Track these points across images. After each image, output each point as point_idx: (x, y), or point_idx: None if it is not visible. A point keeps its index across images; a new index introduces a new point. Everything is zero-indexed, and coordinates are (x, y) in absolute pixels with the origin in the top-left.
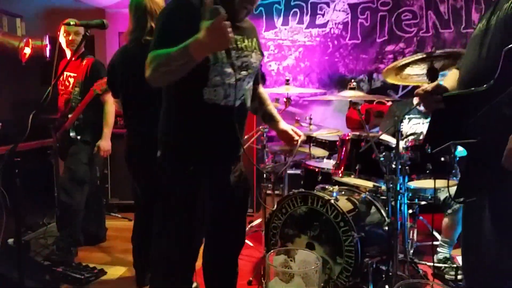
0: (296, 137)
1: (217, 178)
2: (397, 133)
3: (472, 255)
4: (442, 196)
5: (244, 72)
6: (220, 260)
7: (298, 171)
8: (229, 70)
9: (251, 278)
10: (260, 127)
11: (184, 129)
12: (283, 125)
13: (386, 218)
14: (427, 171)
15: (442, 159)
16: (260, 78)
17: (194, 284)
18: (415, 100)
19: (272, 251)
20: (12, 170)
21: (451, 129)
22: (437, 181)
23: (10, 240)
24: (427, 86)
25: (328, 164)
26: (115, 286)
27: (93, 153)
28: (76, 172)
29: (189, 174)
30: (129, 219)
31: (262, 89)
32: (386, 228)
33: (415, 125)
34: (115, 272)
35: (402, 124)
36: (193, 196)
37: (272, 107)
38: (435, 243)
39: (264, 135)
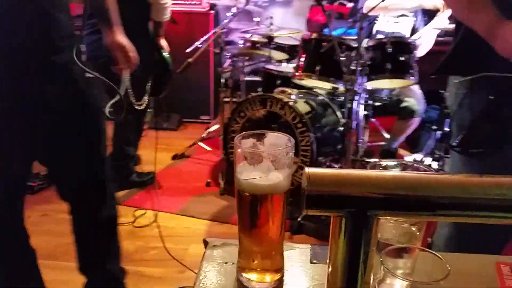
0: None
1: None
2: (359, 32)
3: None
4: (404, 104)
5: None
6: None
7: (257, 78)
8: None
9: (209, 180)
10: (218, 28)
11: None
12: (119, 36)
13: (342, 119)
14: (386, 71)
15: (402, 58)
16: None
17: None
18: None
19: (240, 134)
20: None
21: (485, 56)
22: (394, 81)
23: None
24: None
25: (288, 68)
26: None
27: None
28: None
29: None
30: None
31: None
32: (341, 128)
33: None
34: None
35: (376, 20)
36: None
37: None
38: (383, 143)
39: (222, 37)
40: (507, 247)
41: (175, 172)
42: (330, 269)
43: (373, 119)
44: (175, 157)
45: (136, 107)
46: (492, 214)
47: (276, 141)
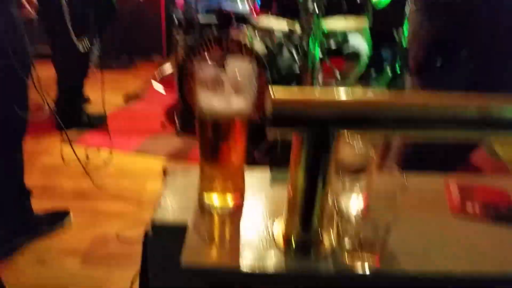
0: None
1: None
2: None
3: None
4: (350, 45)
5: None
6: None
7: (211, 18)
8: None
9: (164, 121)
10: None
11: None
12: None
13: (297, 60)
14: (342, 11)
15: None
16: None
17: None
18: None
19: (200, 59)
20: None
21: None
22: (349, 20)
23: None
24: None
25: (243, 7)
26: None
27: None
28: None
29: None
30: None
31: None
32: (297, 69)
33: None
34: None
35: None
36: None
37: None
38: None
39: None
40: (461, 166)
41: (129, 113)
42: (290, 186)
43: (327, 60)
44: (127, 98)
45: (76, 44)
46: (447, 131)
47: (238, 67)
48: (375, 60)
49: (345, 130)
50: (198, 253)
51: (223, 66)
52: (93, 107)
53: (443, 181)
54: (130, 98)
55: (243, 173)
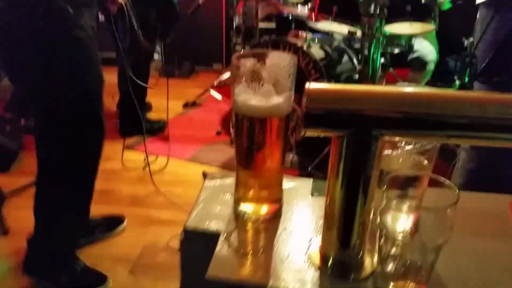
0: None
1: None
2: None
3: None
4: (416, 54)
5: None
6: None
7: (271, 24)
8: None
9: (219, 129)
10: None
11: None
12: None
13: (358, 66)
14: (405, 14)
15: (423, 1)
16: None
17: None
18: None
19: (238, 53)
20: None
21: None
22: (414, 25)
23: None
24: None
25: (303, 11)
26: None
27: None
28: None
29: None
30: None
31: None
32: (357, 77)
33: None
34: None
35: None
36: None
37: None
38: None
39: None
40: None
41: (186, 120)
42: (327, 198)
43: (390, 69)
44: (186, 105)
45: (143, 43)
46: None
47: (278, 60)
48: (442, 71)
49: (391, 133)
50: (226, 265)
51: (264, 61)
52: (154, 114)
53: (508, 202)
54: (189, 105)
55: (281, 180)
